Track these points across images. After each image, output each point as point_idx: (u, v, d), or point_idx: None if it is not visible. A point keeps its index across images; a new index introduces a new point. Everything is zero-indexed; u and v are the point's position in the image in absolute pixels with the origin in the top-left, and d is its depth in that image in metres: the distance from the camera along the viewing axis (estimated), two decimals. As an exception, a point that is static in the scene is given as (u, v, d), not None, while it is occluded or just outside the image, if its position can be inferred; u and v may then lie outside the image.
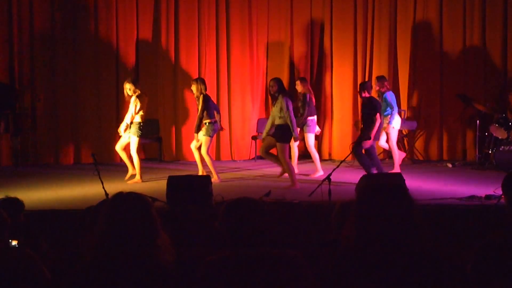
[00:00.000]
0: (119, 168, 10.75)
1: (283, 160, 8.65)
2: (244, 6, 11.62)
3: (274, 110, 8.73)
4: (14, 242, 3.76)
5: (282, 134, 8.61)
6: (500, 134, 10.27)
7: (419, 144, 11.80)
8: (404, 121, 11.19)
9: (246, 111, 11.77)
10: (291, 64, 11.86)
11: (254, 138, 11.53)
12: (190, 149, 11.55)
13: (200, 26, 11.54)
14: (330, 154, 11.83)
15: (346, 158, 8.75)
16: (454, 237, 5.80)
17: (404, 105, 11.70)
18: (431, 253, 2.63)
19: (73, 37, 11.23)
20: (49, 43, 11.18)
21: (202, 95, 9.10)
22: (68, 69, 11.21)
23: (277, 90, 8.67)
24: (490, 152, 10.45)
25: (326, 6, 11.74)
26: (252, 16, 11.64)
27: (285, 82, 11.71)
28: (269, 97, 11.62)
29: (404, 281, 2.56)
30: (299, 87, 9.93)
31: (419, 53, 11.70)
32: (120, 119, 11.39)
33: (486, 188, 8.18)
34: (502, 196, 7.50)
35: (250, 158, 11.69)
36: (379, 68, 11.74)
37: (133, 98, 9.07)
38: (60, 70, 11.18)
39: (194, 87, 9.19)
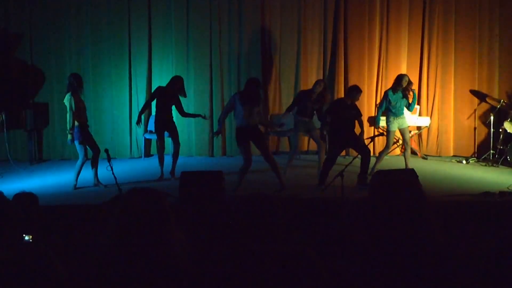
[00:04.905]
0: (133, 164, 10.80)
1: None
2: (257, 1, 11.59)
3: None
4: (28, 237, 3.79)
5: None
6: (515, 130, 10.22)
7: (432, 140, 11.74)
8: (417, 117, 11.21)
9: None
10: (303, 59, 11.81)
11: (266, 134, 11.53)
12: (203, 145, 11.64)
13: (212, 22, 11.52)
14: (346, 151, 11.75)
15: (358, 154, 8.72)
16: (468, 233, 5.78)
17: (417, 102, 11.68)
18: (444, 250, 2.62)
19: (86, 33, 11.27)
20: (63, 39, 11.23)
21: None
22: (82, 66, 11.24)
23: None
24: (504, 148, 10.39)
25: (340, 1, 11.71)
26: (264, 11, 11.61)
27: (296, 78, 11.72)
28: (279, 92, 11.68)
29: (418, 277, 2.56)
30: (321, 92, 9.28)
31: (432, 49, 11.64)
32: (134, 115, 11.43)
33: (500, 185, 8.15)
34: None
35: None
36: (393, 64, 11.71)
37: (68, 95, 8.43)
38: (75, 67, 11.22)
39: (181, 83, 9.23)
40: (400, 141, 11.62)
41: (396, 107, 9.23)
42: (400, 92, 9.22)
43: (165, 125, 9.22)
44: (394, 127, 9.33)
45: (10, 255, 2.91)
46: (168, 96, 9.16)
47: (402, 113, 9.33)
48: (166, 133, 9.34)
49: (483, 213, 6.78)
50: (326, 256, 2.91)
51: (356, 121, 8.80)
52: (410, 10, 11.69)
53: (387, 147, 9.47)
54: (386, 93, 9.36)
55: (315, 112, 9.31)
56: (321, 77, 11.61)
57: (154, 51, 11.54)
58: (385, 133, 9.70)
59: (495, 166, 10.23)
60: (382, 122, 10.78)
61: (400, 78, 9.24)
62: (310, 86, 11.66)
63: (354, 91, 8.71)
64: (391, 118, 9.29)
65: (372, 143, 9.62)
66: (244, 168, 8.18)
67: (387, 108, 9.32)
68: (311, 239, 4.90)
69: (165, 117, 9.19)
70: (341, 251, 2.84)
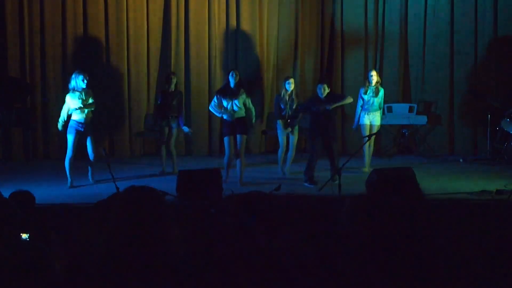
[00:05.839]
0: (130, 162, 10.79)
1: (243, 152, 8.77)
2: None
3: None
4: (24, 236, 3.78)
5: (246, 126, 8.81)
6: (512, 128, 10.23)
7: (429, 138, 11.74)
8: (415, 116, 11.23)
9: (256, 105, 11.73)
10: (300, 58, 11.80)
11: (264, 132, 11.51)
12: (201, 143, 11.64)
13: (210, 20, 11.50)
14: (345, 150, 11.74)
15: (356, 152, 8.73)
16: (465, 232, 5.77)
17: (415, 100, 11.69)
18: (442, 248, 2.62)
19: (84, 31, 11.25)
20: (59, 37, 11.20)
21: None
22: (78, 63, 11.20)
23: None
24: (501, 146, 10.40)
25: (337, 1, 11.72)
26: (262, 9, 11.60)
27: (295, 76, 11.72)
28: (277, 90, 11.66)
29: (415, 276, 2.56)
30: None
31: (430, 47, 11.65)
32: (132, 113, 11.42)
33: (497, 183, 8.15)
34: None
35: (261, 152, 11.68)
36: (390, 60, 11.72)
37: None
38: (71, 65, 11.19)
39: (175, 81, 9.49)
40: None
41: (369, 103, 9.72)
42: (372, 90, 9.69)
43: (166, 120, 9.29)
44: (365, 120, 9.75)
45: (7, 253, 2.90)
46: (168, 94, 9.33)
47: (375, 110, 9.75)
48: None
49: (480, 212, 6.78)
50: (324, 254, 2.91)
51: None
52: (408, 5, 11.71)
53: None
54: (359, 91, 9.87)
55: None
56: (319, 76, 11.61)
57: (152, 50, 11.52)
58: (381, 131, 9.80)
59: (492, 165, 10.23)
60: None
61: (367, 76, 9.86)
62: (308, 85, 11.72)
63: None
64: (363, 113, 9.79)
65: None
66: (227, 160, 8.68)
67: (361, 105, 9.83)
68: (309, 237, 4.90)
69: (167, 113, 9.31)
70: (339, 249, 2.84)
